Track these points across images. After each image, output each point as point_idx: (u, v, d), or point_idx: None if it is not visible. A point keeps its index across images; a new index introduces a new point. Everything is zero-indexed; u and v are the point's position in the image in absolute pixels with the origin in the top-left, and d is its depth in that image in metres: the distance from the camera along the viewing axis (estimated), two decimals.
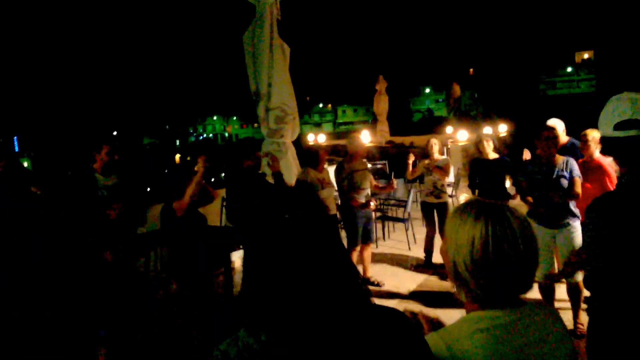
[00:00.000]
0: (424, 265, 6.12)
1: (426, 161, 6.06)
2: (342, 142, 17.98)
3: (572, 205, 3.96)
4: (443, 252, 1.29)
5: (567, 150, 4.82)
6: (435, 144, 6.06)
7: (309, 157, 5.32)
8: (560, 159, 4.01)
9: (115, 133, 62.10)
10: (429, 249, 6.17)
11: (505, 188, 5.81)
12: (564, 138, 4.97)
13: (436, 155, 6.04)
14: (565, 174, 3.96)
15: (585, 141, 4.44)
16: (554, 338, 1.22)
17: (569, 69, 69.40)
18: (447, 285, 5.42)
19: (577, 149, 4.83)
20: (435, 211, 6.07)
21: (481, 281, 1.18)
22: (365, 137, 13.59)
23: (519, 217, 1.20)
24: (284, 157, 6.34)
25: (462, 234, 1.21)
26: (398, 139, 16.25)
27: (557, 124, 4.95)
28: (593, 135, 4.40)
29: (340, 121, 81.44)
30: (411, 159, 6.15)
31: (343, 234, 5.76)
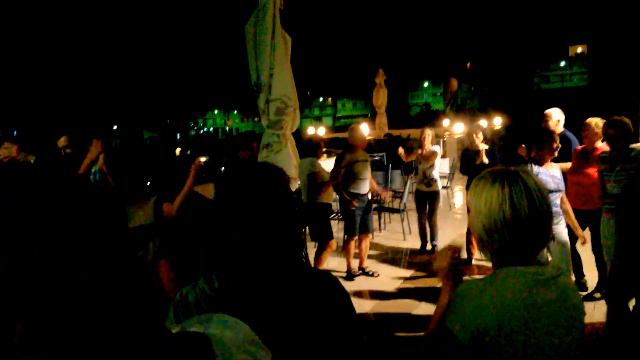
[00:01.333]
0: (419, 252, 6.32)
1: (419, 150, 6.32)
2: (341, 135, 18.06)
3: (558, 207, 4.03)
4: (470, 224, 1.38)
5: (559, 141, 4.88)
6: (428, 134, 6.29)
7: (311, 146, 5.40)
8: (552, 165, 4.07)
9: (115, 127, 62.18)
10: (422, 236, 6.38)
11: None
12: (560, 129, 5.01)
13: (428, 146, 6.26)
14: (559, 178, 4.01)
15: (590, 130, 4.47)
16: (575, 297, 1.33)
17: (562, 63, 69.51)
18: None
19: (569, 141, 4.90)
20: (426, 199, 6.30)
21: (506, 237, 1.25)
22: (365, 130, 13.76)
23: (532, 179, 1.29)
24: (283, 149, 6.46)
25: (481, 200, 1.29)
26: (396, 132, 16.42)
27: (556, 114, 5.01)
28: (596, 122, 4.44)
29: (340, 115, 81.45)
30: (401, 153, 6.32)
31: (341, 225, 5.90)
